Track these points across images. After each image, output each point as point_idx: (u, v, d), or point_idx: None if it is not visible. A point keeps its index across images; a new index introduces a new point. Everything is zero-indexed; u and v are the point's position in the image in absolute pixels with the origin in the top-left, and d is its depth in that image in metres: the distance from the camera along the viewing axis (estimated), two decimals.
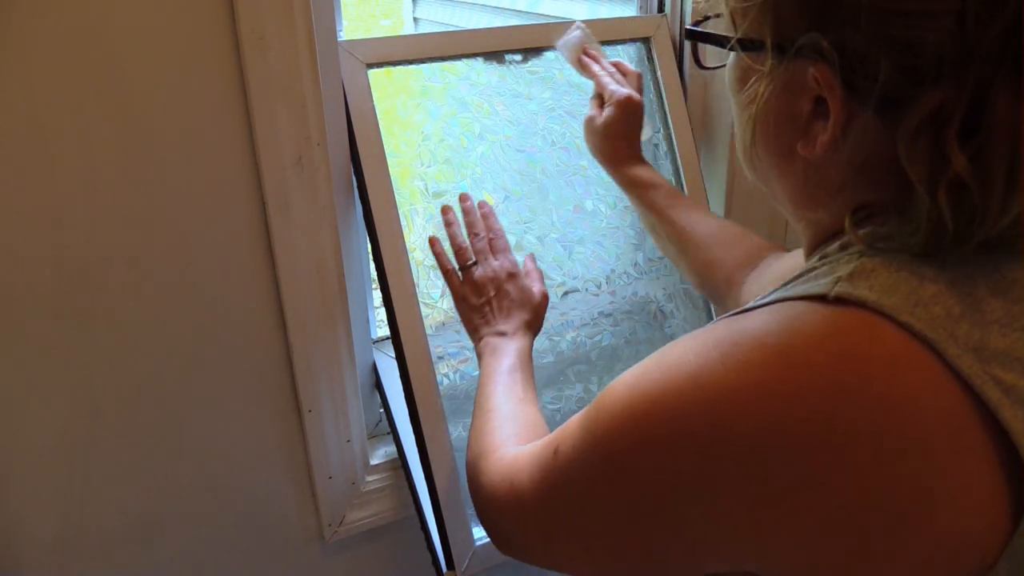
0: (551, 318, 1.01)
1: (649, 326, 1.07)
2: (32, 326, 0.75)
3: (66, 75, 0.67)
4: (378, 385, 1.02)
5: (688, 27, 0.52)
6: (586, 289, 1.03)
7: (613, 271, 1.05)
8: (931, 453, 0.38)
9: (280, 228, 0.80)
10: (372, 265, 0.92)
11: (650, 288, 1.08)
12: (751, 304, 0.45)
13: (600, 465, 0.45)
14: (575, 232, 1.02)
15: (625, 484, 0.44)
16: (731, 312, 0.46)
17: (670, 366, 0.44)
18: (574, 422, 0.50)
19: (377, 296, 0.99)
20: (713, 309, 1.08)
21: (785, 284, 0.46)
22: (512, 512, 0.55)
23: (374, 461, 1.02)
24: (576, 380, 1.02)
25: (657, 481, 0.43)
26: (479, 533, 0.91)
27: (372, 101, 0.87)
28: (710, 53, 0.54)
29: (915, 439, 0.38)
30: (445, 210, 0.89)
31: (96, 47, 0.68)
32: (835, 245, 0.46)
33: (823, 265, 0.44)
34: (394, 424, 0.98)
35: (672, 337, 1.09)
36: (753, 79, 0.46)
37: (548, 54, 0.99)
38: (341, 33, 0.85)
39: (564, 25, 0.97)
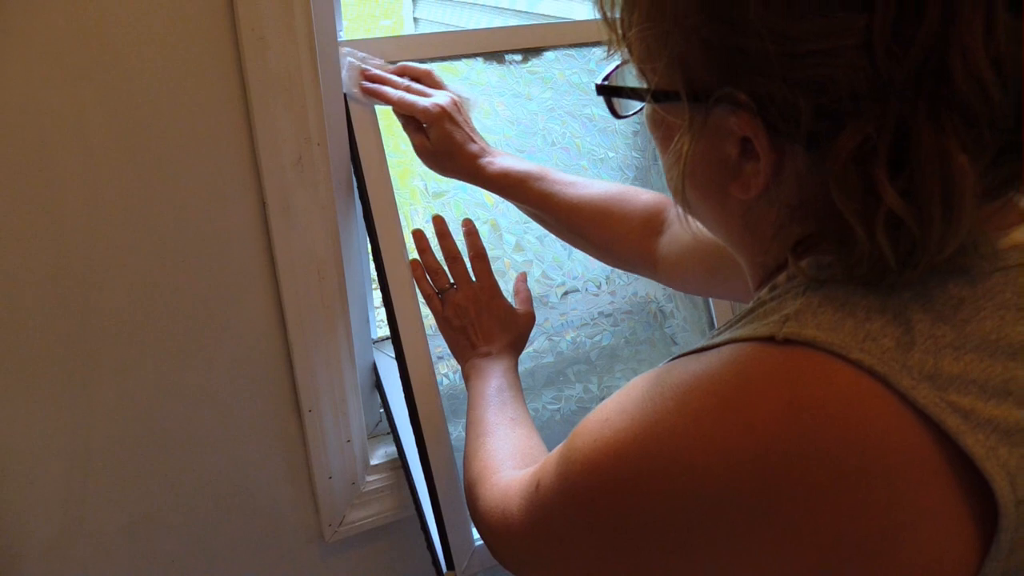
0: (551, 318, 1.01)
1: (649, 326, 1.07)
2: (32, 326, 0.75)
3: (66, 75, 0.67)
4: (378, 385, 1.02)
5: (597, 83, 0.49)
6: (586, 289, 1.03)
7: (613, 271, 1.05)
8: (896, 488, 0.38)
9: (280, 228, 0.80)
10: (372, 265, 0.92)
11: (650, 288, 1.08)
12: (704, 343, 0.45)
13: (573, 507, 0.48)
14: None
15: (597, 527, 0.46)
16: (685, 352, 0.46)
17: (631, 415, 0.44)
18: (552, 458, 0.51)
19: (377, 296, 0.99)
20: (713, 309, 1.08)
21: (735, 321, 0.46)
22: (504, 539, 0.58)
23: (374, 461, 1.02)
24: (576, 380, 1.02)
25: (626, 527, 0.44)
26: (479, 533, 0.91)
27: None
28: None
29: (878, 476, 0.37)
30: (418, 236, 0.88)
31: (96, 48, 0.68)
32: (782, 275, 0.45)
33: (771, 300, 0.44)
34: (394, 424, 0.98)
35: (672, 337, 1.09)
36: (675, 128, 0.44)
37: (548, 54, 0.99)
38: (341, 33, 0.85)
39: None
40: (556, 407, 1.00)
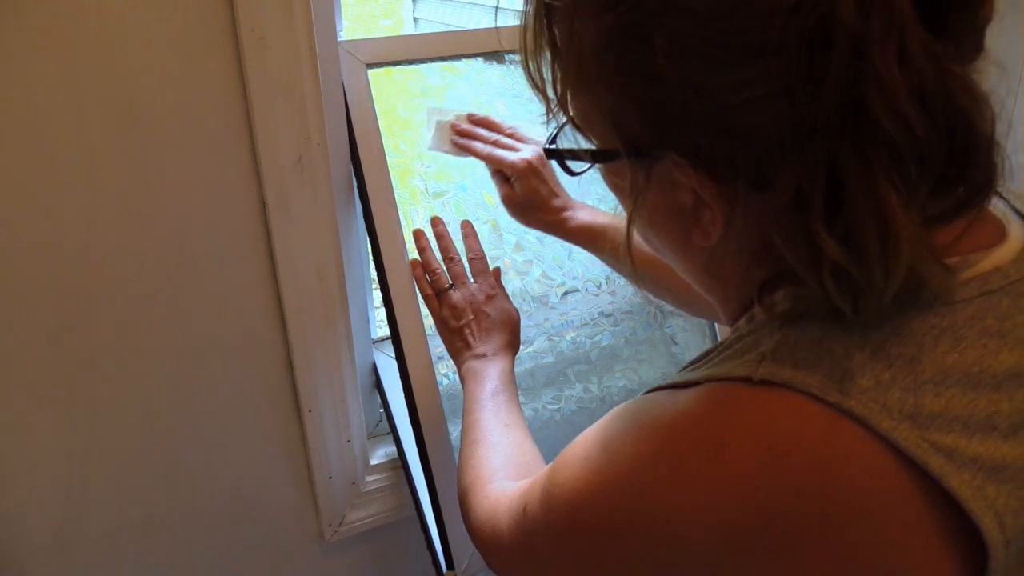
0: (551, 318, 1.01)
1: (649, 326, 1.07)
2: (32, 327, 0.75)
3: (65, 75, 0.67)
4: (378, 385, 1.02)
5: (544, 147, 0.50)
6: (586, 289, 1.03)
7: (613, 271, 1.05)
8: (881, 532, 0.37)
9: (280, 228, 0.80)
10: (372, 265, 0.92)
11: None
12: (683, 377, 0.44)
13: (556, 541, 0.49)
14: None
15: (579, 562, 0.47)
16: (664, 385, 0.46)
17: (611, 454, 0.44)
18: (538, 484, 0.52)
19: (377, 296, 0.99)
20: None
21: (713, 354, 0.45)
22: (493, 552, 0.60)
23: (374, 461, 1.02)
24: (576, 380, 1.02)
25: (608, 565, 0.44)
26: (471, 541, 0.91)
27: (372, 101, 0.86)
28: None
29: (862, 521, 0.37)
30: (418, 235, 0.88)
31: (96, 48, 0.68)
32: (759, 308, 0.45)
33: (749, 334, 0.43)
34: (394, 424, 0.98)
35: (672, 337, 1.09)
36: (630, 184, 0.44)
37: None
38: (341, 33, 0.85)
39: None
40: (556, 407, 1.00)
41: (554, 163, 0.52)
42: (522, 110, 0.98)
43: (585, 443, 0.47)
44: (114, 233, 0.75)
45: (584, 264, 1.03)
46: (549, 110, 0.47)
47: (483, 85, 0.96)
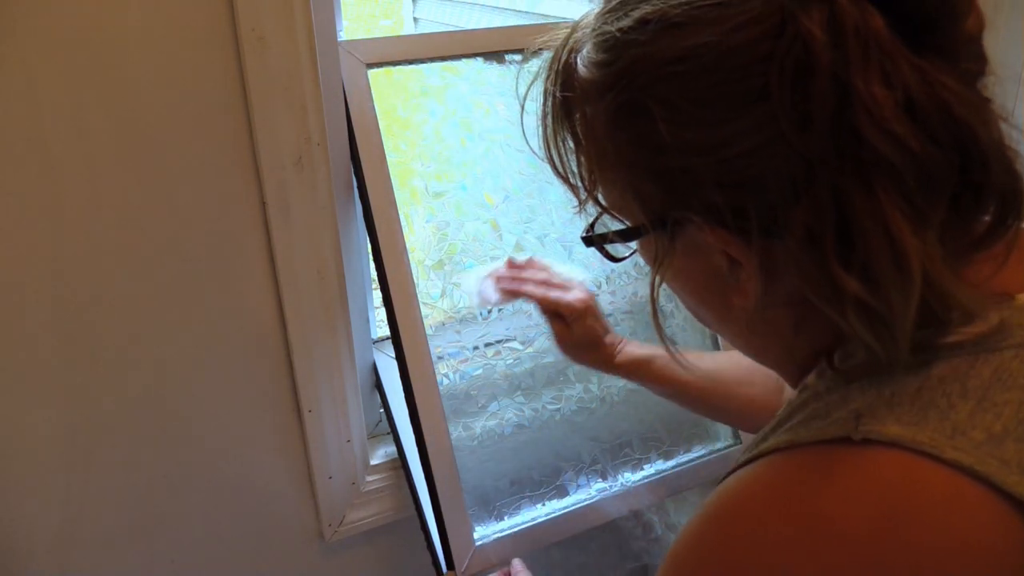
0: None
1: (649, 326, 1.07)
2: (32, 327, 0.75)
3: (65, 75, 0.67)
4: (378, 385, 1.02)
5: (582, 237, 0.51)
6: None
7: (613, 271, 1.05)
8: None
9: (280, 228, 0.80)
10: (372, 265, 0.92)
11: None
12: (755, 451, 0.42)
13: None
14: (575, 232, 1.02)
15: None
16: (737, 466, 0.43)
17: (713, 539, 0.41)
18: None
19: (377, 296, 0.99)
20: None
21: (783, 420, 0.43)
22: None
23: (374, 461, 1.02)
24: (576, 380, 1.02)
25: None
26: (479, 533, 0.91)
27: (372, 101, 0.86)
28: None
29: None
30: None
31: (95, 48, 0.68)
32: (824, 364, 0.43)
33: (827, 391, 0.41)
34: (394, 424, 0.98)
35: (672, 337, 1.09)
36: (660, 255, 0.45)
37: (548, 54, 0.99)
38: (341, 33, 0.85)
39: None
40: (556, 407, 1.00)
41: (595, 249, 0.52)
42: (520, 111, 0.98)
43: (674, 562, 0.43)
44: (114, 233, 0.75)
45: (584, 264, 1.03)
46: (579, 200, 0.49)
47: (483, 85, 0.96)
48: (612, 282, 1.05)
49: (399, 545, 1.08)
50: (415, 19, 3.89)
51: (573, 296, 0.81)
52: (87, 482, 0.84)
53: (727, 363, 0.81)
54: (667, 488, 1.01)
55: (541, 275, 0.83)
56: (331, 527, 1.00)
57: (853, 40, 0.34)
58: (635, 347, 0.84)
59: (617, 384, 1.04)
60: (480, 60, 0.96)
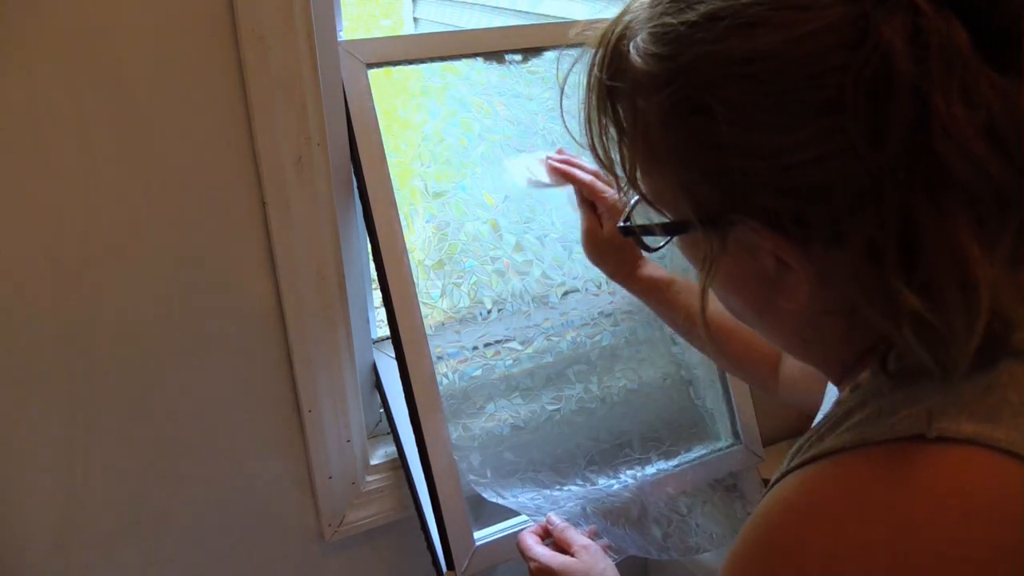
0: (551, 318, 1.01)
1: (649, 326, 1.07)
2: (31, 326, 0.75)
3: (65, 75, 0.67)
4: (378, 385, 1.02)
5: (619, 226, 0.51)
6: (586, 289, 1.03)
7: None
8: None
9: (280, 228, 0.80)
10: (372, 265, 0.92)
11: None
12: (813, 452, 0.41)
13: None
14: (575, 232, 1.02)
15: None
16: (790, 468, 0.42)
17: (784, 556, 0.39)
18: None
19: (377, 296, 0.99)
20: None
21: (841, 420, 0.42)
22: None
23: (374, 461, 1.02)
24: (576, 380, 1.02)
25: None
26: (479, 533, 0.91)
27: (372, 101, 0.86)
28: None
29: None
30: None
31: (96, 47, 0.68)
32: (876, 366, 0.42)
33: (891, 391, 0.40)
34: (394, 424, 0.98)
35: (672, 337, 1.09)
36: (705, 253, 0.44)
37: (548, 54, 0.99)
38: (341, 33, 0.85)
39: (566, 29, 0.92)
40: (556, 407, 1.00)
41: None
42: (522, 110, 0.98)
43: (740, 568, 0.42)
44: (114, 232, 0.75)
45: (584, 264, 1.03)
46: (620, 188, 0.48)
47: (483, 85, 0.96)
48: (612, 282, 1.05)
49: (399, 545, 1.08)
50: (415, 19, 3.88)
51: (613, 195, 0.80)
52: (87, 482, 0.84)
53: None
54: (668, 488, 1.01)
55: (591, 168, 0.83)
56: (331, 527, 1.00)
57: (937, 55, 0.33)
58: (656, 268, 0.84)
59: (617, 384, 1.04)
60: (480, 60, 0.96)
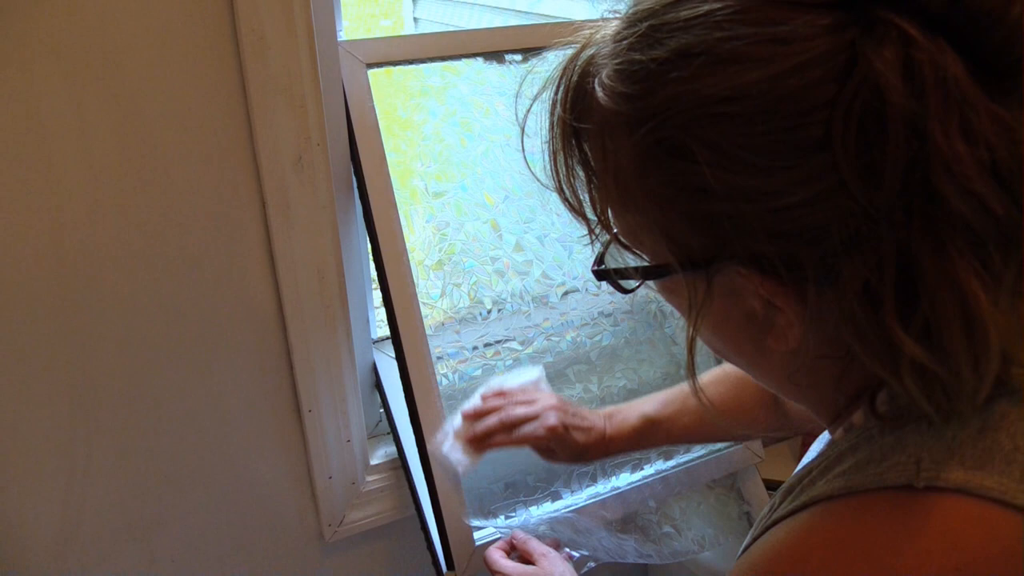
0: (551, 318, 1.01)
1: (649, 326, 1.07)
2: (32, 326, 0.75)
3: (65, 75, 0.67)
4: (378, 385, 1.02)
5: (593, 270, 0.47)
6: (586, 289, 1.03)
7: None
8: None
9: (280, 228, 0.80)
10: (372, 265, 0.92)
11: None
12: (800, 500, 0.40)
13: None
14: (575, 232, 1.02)
15: None
16: (777, 519, 0.41)
17: None
18: None
19: (377, 296, 0.99)
20: None
21: (832, 465, 0.41)
22: None
23: (374, 461, 1.02)
24: (576, 380, 1.02)
25: None
26: (479, 533, 0.91)
27: (372, 101, 0.86)
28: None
29: None
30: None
31: (95, 47, 0.68)
32: (873, 408, 0.40)
33: (881, 434, 0.39)
34: (394, 424, 0.98)
35: (672, 337, 1.09)
36: (689, 300, 0.41)
37: (548, 54, 0.99)
38: (341, 33, 0.85)
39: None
40: None
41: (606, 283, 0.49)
42: (522, 109, 0.98)
43: None
44: (114, 233, 0.75)
45: (584, 264, 1.03)
46: (591, 231, 0.45)
47: (483, 85, 0.96)
48: None
49: (399, 545, 1.08)
50: (415, 19, 3.88)
51: (538, 424, 0.78)
52: (87, 482, 0.84)
53: (718, 399, 0.79)
54: (667, 489, 1.01)
55: (499, 415, 0.79)
56: (331, 527, 1.00)
57: (932, 87, 0.31)
58: (623, 419, 0.81)
59: (617, 384, 1.04)
60: (480, 60, 0.96)
